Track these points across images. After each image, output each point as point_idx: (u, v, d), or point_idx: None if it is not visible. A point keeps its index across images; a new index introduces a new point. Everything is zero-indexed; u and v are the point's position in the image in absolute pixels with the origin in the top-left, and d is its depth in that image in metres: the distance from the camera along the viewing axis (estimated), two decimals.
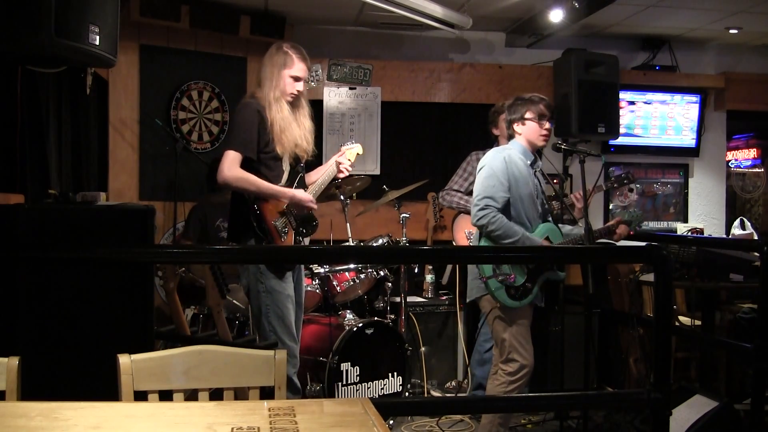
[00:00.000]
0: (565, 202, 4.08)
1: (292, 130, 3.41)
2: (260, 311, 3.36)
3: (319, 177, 3.62)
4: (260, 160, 3.38)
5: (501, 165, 3.45)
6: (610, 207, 6.07)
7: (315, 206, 3.50)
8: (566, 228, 3.72)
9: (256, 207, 3.34)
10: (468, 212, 4.56)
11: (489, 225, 3.37)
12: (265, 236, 3.33)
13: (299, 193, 3.43)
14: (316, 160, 3.76)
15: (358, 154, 3.68)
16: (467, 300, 3.72)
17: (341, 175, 3.63)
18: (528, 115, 3.56)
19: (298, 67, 3.42)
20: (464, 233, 4.75)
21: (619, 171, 4.11)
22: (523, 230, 3.44)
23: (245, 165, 3.33)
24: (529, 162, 3.57)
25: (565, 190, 5.61)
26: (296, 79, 3.42)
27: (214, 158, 4.80)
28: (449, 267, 5.23)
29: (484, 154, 3.66)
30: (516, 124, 3.60)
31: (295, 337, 3.43)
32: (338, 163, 3.59)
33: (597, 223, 5.83)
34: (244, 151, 3.31)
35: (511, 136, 3.67)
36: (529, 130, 3.57)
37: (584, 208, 3.69)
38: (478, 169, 3.58)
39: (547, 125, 3.59)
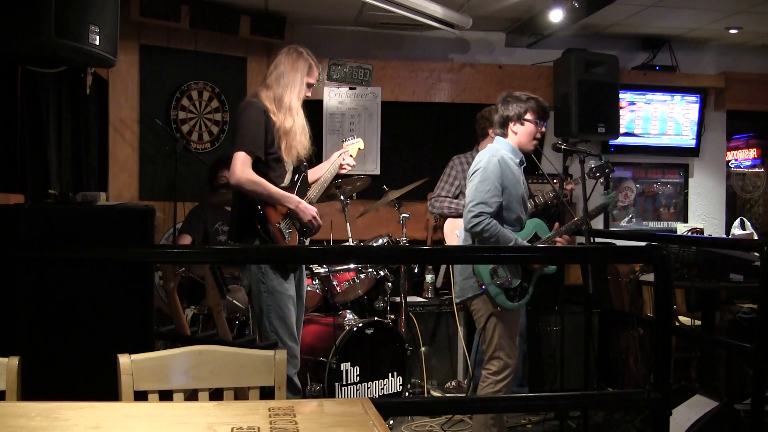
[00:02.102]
0: (566, 203, 4.07)
1: (303, 138, 3.43)
2: (262, 311, 3.35)
3: (321, 175, 3.62)
4: (264, 160, 3.38)
5: (496, 168, 3.41)
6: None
7: (318, 221, 3.46)
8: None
9: (260, 208, 3.33)
10: (459, 216, 4.56)
11: (483, 232, 3.35)
12: (269, 238, 3.32)
13: (304, 204, 3.42)
14: (316, 159, 3.77)
15: (359, 149, 3.71)
16: (457, 300, 3.68)
17: (344, 171, 3.65)
18: (528, 116, 3.50)
19: (314, 74, 3.48)
20: (456, 234, 4.74)
21: (597, 162, 4.01)
22: (515, 235, 3.44)
23: (251, 165, 3.33)
24: (518, 160, 3.54)
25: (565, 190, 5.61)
26: (310, 85, 3.49)
27: (215, 159, 4.81)
28: (443, 269, 5.22)
29: (465, 157, 3.62)
30: (513, 123, 3.52)
31: (296, 337, 3.42)
32: (342, 159, 3.61)
33: (598, 224, 5.85)
34: (254, 152, 3.30)
35: (503, 134, 3.57)
36: (526, 132, 3.51)
37: (585, 208, 3.69)
38: (472, 171, 3.52)
39: (543, 129, 3.56)
